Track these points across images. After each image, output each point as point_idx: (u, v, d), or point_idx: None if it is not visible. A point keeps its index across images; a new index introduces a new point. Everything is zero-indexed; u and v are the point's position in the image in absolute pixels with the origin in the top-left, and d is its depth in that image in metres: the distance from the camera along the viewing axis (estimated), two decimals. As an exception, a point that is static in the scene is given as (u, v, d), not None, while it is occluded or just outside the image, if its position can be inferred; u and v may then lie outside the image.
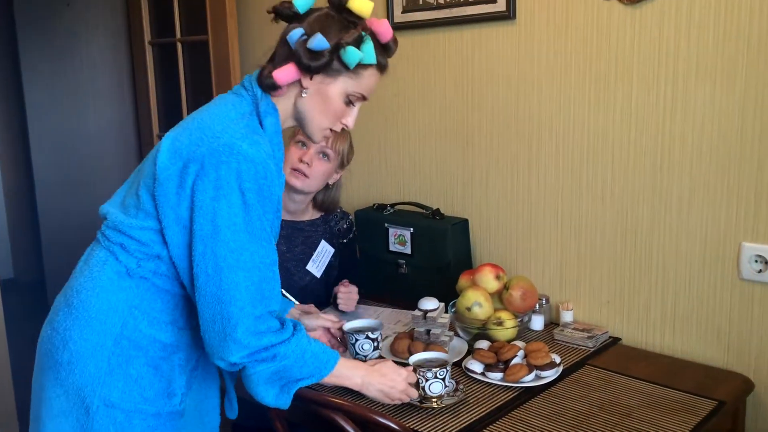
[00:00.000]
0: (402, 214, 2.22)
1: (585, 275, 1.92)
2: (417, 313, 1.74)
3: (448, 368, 1.49)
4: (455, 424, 1.42)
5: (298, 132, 1.91)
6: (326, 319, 1.73)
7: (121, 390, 1.30)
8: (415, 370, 1.48)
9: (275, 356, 1.27)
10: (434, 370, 1.46)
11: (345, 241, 2.12)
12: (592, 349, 1.76)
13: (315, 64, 1.31)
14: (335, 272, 2.09)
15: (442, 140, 2.20)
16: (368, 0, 1.33)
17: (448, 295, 1.89)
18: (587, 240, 1.91)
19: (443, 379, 1.47)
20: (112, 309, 1.30)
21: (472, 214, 2.15)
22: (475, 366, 1.62)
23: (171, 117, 3.15)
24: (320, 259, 2.03)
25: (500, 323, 1.76)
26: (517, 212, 2.05)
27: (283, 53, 1.34)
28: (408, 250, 2.15)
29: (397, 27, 2.24)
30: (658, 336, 1.80)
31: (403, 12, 2.22)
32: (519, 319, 1.80)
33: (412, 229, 2.13)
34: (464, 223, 2.13)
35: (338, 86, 1.35)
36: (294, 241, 2.00)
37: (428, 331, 1.72)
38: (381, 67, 1.38)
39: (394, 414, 1.44)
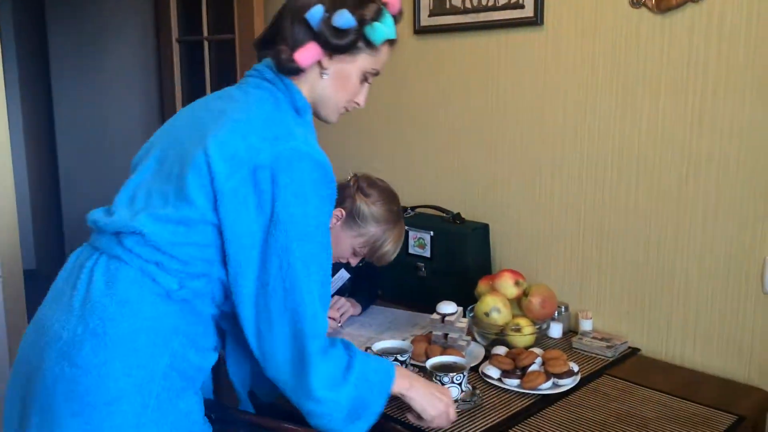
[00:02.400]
0: (422, 217, 2.22)
1: (605, 285, 1.91)
2: (435, 316, 1.74)
3: (465, 373, 1.48)
4: (471, 429, 1.42)
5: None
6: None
7: (171, 426, 1.16)
8: (431, 374, 1.48)
9: (347, 378, 1.18)
10: (451, 374, 1.46)
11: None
12: (611, 359, 1.75)
13: (342, 43, 1.21)
14: (347, 293, 2.08)
15: (464, 144, 2.20)
16: None
17: (467, 299, 1.89)
18: (609, 249, 1.89)
19: (460, 384, 1.47)
20: (159, 338, 1.15)
21: (493, 219, 2.14)
22: (492, 372, 1.62)
23: (195, 113, 3.17)
24: (333, 283, 2.03)
25: (518, 329, 1.76)
26: (539, 219, 2.04)
27: (300, 32, 1.22)
28: (427, 254, 2.15)
29: (423, 30, 2.25)
30: (678, 348, 1.78)
31: (429, 15, 2.22)
32: (537, 326, 1.79)
33: (431, 233, 2.13)
34: (485, 228, 2.13)
35: (358, 64, 1.26)
36: None
37: (446, 335, 1.72)
38: (394, 42, 1.28)
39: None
